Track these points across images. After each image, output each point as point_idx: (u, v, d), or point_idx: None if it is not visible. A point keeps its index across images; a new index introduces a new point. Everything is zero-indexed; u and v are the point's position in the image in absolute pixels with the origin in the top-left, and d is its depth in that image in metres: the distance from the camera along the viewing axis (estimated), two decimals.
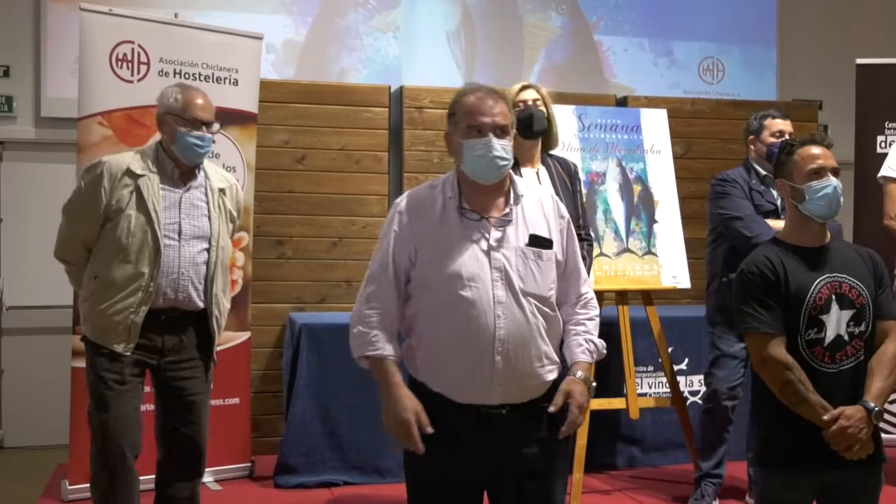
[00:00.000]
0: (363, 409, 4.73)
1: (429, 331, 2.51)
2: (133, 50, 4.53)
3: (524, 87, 4.06)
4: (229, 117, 4.67)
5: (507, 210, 2.55)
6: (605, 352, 2.68)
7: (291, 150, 5.48)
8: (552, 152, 4.13)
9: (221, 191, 3.56)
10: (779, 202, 4.19)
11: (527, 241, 2.54)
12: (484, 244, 2.50)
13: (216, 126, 3.53)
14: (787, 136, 4.21)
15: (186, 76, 4.59)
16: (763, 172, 4.27)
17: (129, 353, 3.34)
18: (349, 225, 5.54)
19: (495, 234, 2.52)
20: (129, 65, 4.52)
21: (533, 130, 3.93)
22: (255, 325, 5.01)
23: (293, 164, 5.47)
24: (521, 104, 3.97)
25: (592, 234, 4.28)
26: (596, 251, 4.53)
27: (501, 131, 2.52)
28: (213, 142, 3.61)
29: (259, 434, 5.15)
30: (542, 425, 2.57)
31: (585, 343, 2.62)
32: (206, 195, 3.50)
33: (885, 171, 4.75)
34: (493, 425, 2.49)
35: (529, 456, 2.54)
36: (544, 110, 4.01)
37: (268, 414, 5.27)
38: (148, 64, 4.56)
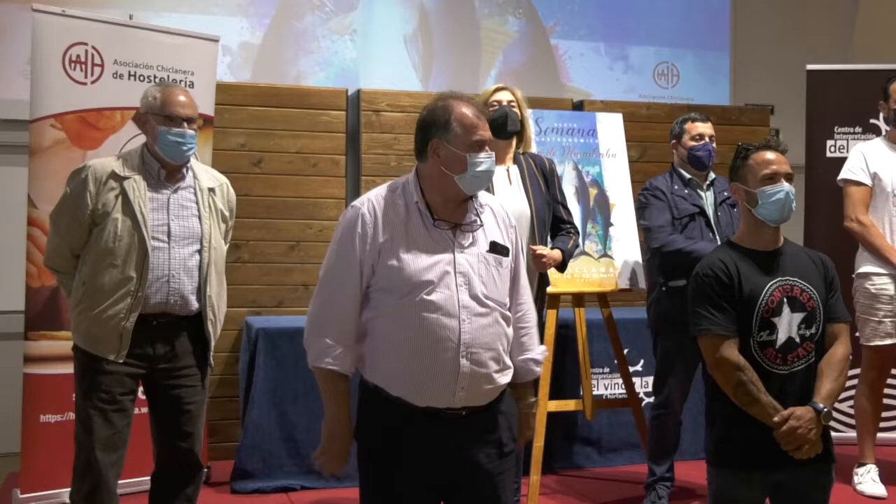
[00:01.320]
0: (321, 413, 4.66)
1: (391, 335, 2.50)
2: (87, 52, 4.47)
3: (499, 89, 4.11)
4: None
5: (470, 217, 2.58)
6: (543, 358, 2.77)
7: (248, 154, 5.45)
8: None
9: (211, 190, 3.50)
10: (707, 205, 4.24)
11: (487, 247, 2.58)
12: (449, 249, 2.52)
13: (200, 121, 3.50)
14: (706, 140, 4.28)
15: (141, 78, 4.55)
16: (687, 176, 4.33)
17: (121, 361, 3.27)
18: (306, 228, 5.52)
19: (460, 239, 2.54)
20: (83, 66, 4.47)
21: (506, 131, 3.97)
22: None
23: (250, 167, 5.44)
24: (495, 104, 4.01)
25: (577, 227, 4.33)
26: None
27: (490, 145, 2.59)
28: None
29: (215, 439, 5.11)
30: (497, 427, 2.60)
31: (531, 365, 2.72)
32: (196, 195, 3.44)
33: (844, 173, 4.83)
34: (453, 428, 2.51)
35: (485, 457, 2.56)
36: (518, 112, 4.05)
37: (224, 419, 5.23)
38: (102, 66, 4.51)
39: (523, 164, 4.06)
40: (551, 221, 4.07)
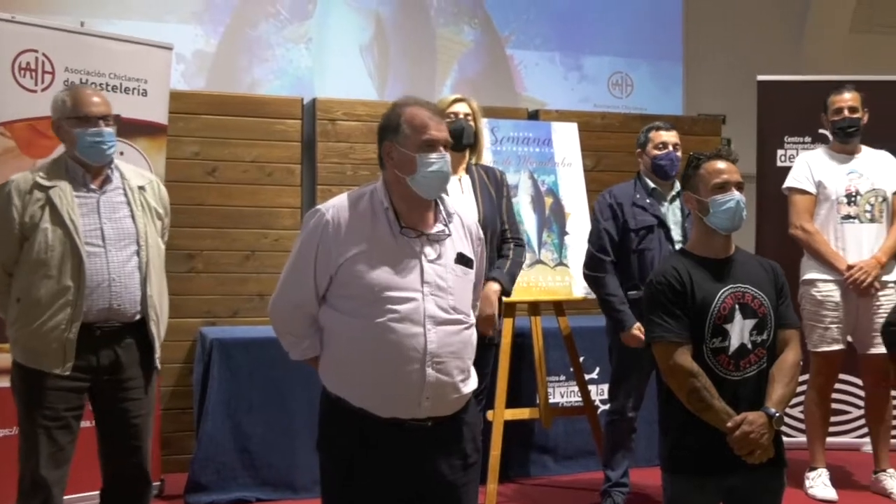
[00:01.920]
0: (276, 424, 4.69)
1: (355, 345, 2.50)
2: (37, 59, 4.40)
3: (457, 100, 4.11)
4: (138, 129, 4.59)
5: (438, 227, 2.58)
6: None
7: (202, 162, 5.40)
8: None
9: (141, 188, 3.42)
10: (668, 215, 4.29)
11: (455, 258, 2.58)
12: (417, 258, 2.51)
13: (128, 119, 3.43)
14: (670, 148, 4.32)
15: (93, 86, 4.49)
16: (651, 186, 4.36)
17: (67, 374, 3.19)
18: (261, 238, 5.48)
19: (428, 249, 2.54)
20: (33, 74, 4.40)
21: (462, 143, 3.99)
22: (164, 341, 4.86)
23: (204, 176, 5.39)
24: (452, 115, 4.02)
25: (524, 238, 4.34)
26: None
27: (446, 146, 2.57)
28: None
29: (169, 452, 5.05)
30: (462, 438, 2.60)
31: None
32: (126, 195, 3.36)
33: (789, 182, 4.91)
34: (417, 439, 2.50)
35: (450, 469, 2.56)
36: (473, 124, 4.07)
37: (178, 431, 5.17)
38: (53, 73, 4.44)
39: (475, 175, 4.09)
40: (498, 235, 4.08)
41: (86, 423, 3.50)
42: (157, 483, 4.78)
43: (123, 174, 3.42)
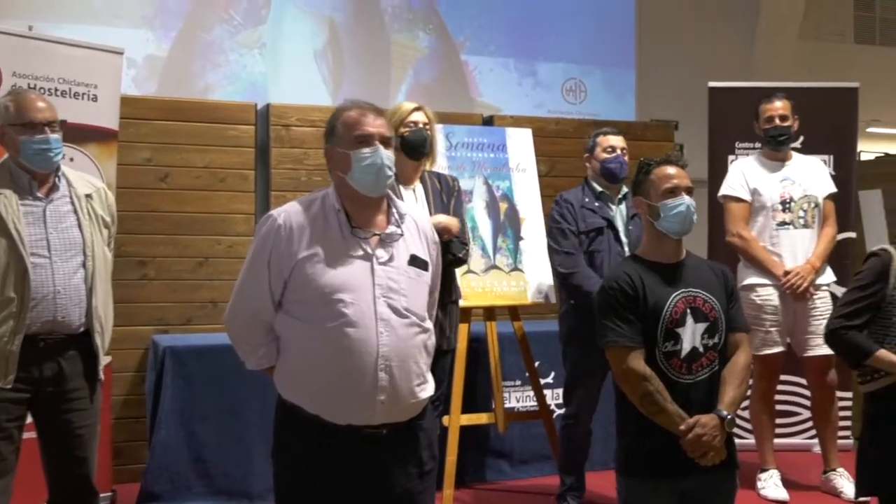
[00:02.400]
0: (231, 432, 4.65)
1: (308, 350, 2.48)
2: None
3: (416, 109, 4.11)
4: (88, 134, 4.52)
5: (391, 228, 2.58)
6: None
7: (154, 168, 5.34)
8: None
9: (88, 196, 3.35)
10: (616, 217, 4.33)
11: (408, 259, 2.57)
12: (368, 260, 2.51)
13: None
14: (619, 152, 4.37)
15: (42, 91, 4.42)
16: (599, 189, 4.40)
17: (9, 387, 3.11)
18: (215, 244, 5.43)
19: (380, 251, 2.53)
20: None
21: (420, 152, 4.00)
22: (116, 349, 4.82)
23: (156, 182, 5.33)
24: (411, 125, 4.02)
25: (471, 244, 4.35)
26: (464, 268, 4.59)
27: (386, 142, 2.56)
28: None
29: (121, 462, 4.97)
30: (418, 446, 2.59)
31: None
32: (73, 203, 3.29)
33: (724, 189, 4.98)
34: (374, 447, 2.49)
35: (406, 478, 2.55)
36: (430, 133, 4.09)
37: (130, 441, 5.09)
38: (0, 78, 4.37)
39: (428, 183, 4.10)
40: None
41: (31, 435, 3.44)
42: (109, 494, 4.72)
43: (70, 182, 3.34)
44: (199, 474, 4.63)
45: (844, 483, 4.71)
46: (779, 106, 4.87)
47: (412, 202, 3.97)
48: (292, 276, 2.48)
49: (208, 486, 4.64)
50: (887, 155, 8.84)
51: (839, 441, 4.97)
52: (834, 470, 4.80)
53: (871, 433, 3.15)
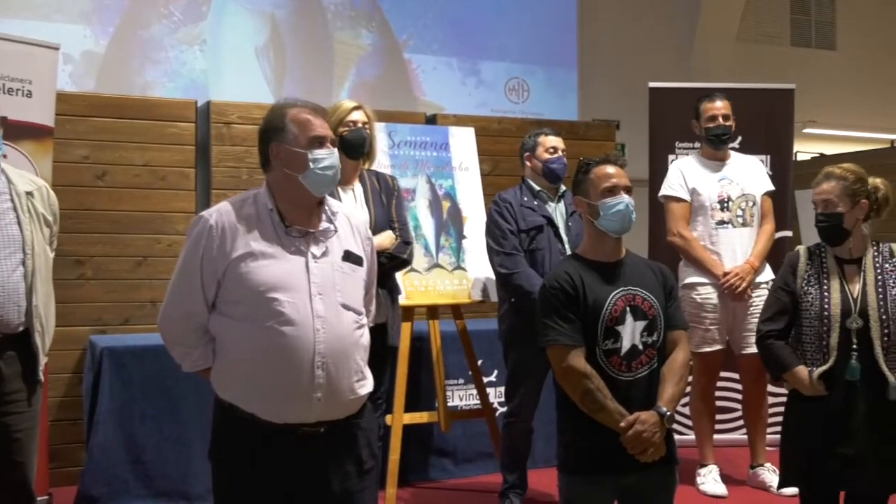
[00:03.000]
0: (170, 433, 4.59)
1: (244, 349, 2.47)
2: None
3: (355, 108, 4.09)
4: (23, 131, 4.42)
5: (324, 225, 2.57)
6: None
7: (91, 166, 5.25)
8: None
9: (29, 194, 3.27)
10: (555, 215, 4.36)
11: (342, 255, 2.57)
12: (303, 257, 2.50)
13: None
14: (560, 153, 4.40)
15: None
16: (537, 188, 4.43)
17: None
18: (154, 244, 5.36)
19: (314, 248, 2.53)
20: None
21: (359, 152, 3.99)
22: (52, 350, 4.70)
23: (93, 180, 5.24)
24: (351, 124, 4.00)
25: (413, 244, 4.34)
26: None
27: (332, 143, 2.58)
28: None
29: (57, 465, 4.88)
30: (357, 444, 2.58)
31: None
32: (13, 200, 3.20)
33: (664, 190, 5.03)
34: (312, 447, 2.48)
35: (345, 476, 2.54)
36: (369, 132, 4.07)
37: (67, 443, 5.00)
38: None
39: (367, 182, 4.09)
40: None
41: None
42: (45, 497, 4.62)
43: (10, 179, 3.27)
44: (137, 476, 4.57)
45: (772, 477, 4.80)
46: (721, 106, 4.94)
47: (351, 202, 3.97)
48: (226, 277, 2.47)
49: (147, 488, 4.58)
50: (823, 155, 9.03)
51: (773, 436, 5.06)
52: (762, 465, 4.90)
53: (784, 430, 3.29)
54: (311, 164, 2.52)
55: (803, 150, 9.01)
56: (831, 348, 3.12)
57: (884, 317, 3.13)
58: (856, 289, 3.17)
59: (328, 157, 2.54)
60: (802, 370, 3.15)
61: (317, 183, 2.53)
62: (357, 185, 4.05)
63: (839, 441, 3.10)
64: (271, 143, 2.57)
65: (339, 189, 3.96)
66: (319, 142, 2.54)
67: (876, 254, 3.25)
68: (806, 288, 3.20)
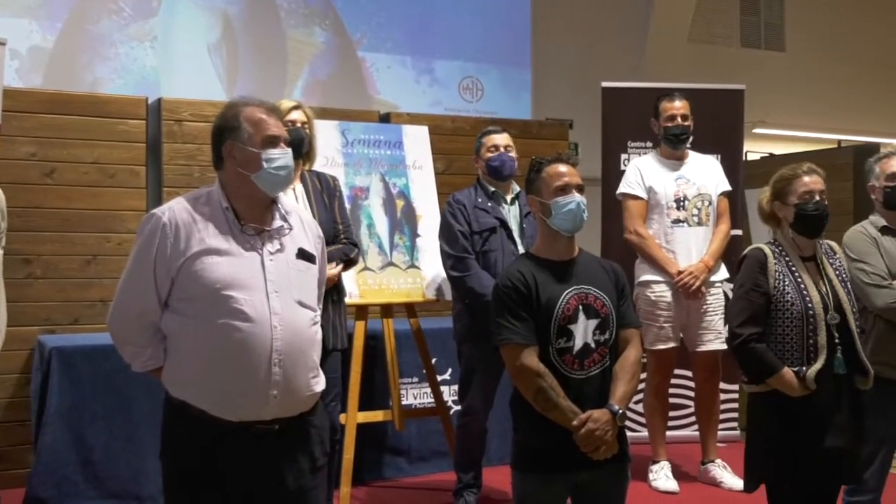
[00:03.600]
0: (120, 433, 4.54)
1: (199, 346, 2.45)
2: None
3: (294, 108, 4.06)
4: None
5: (278, 223, 2.57)
6: None
7: (39, 164, 5.16)
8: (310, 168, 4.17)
9: None
10: (509, 216, 4.38)
11: (296, 253, 2.58)
12: (259, 256, 2.50)
13: None
14: (502, 150, 4.42)
15: None
16: (491, 189, 4.44)
17: None
18: (104, 242, 5.29)
19: (269, 245, 2.53)
20: None
21: (299, 152, 3.96)
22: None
23: (41, 177, 5.16)
24: (289, 123, 3.97)
25: (358, 243, 4.33)
26: (360, 265, 4.58)
27: (286, 143, 2.57)
28: None
29: (5, 467, 4.81)
30: (310, 441, 2.59)
31: None
32: None
33: (622, 188, 5.07)
34: (265, 444, 2.47)
35: (298, 473, 2.54)
36: (308, 132, 4.05)
37: (14, 444, 4.92)
38: None
39: (308, 182, 4.07)
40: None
41: None
42: None
43: None
44: (87, 477, 4.51)
45: (723, 473, 4.86)
46: (680, 105, 4.99)
47: (291, 201, 3.94)
48: (180, 274, 2.45)
49: (97, 490, 4.52)
50: (772, 155, 9.15)
51: (726, 433, 5.13)
52: (712, 461, 4.96)
53: (756, 430, 3.24)
54: (265, 164, 2.51)
55: (753, 150, 9.14)
56: (820, 346, 3.08)
57: (854, 310, 3.19)
58: (822, 285, 3.20)
59: (282, 156, 2.54)
60: (789, 372, 3.08)
61: (270, 182, 2.53)
62: (298, 185, 4.03)
63: (828, 435, 3.08)
64: (225, 142, 2.56)
65: None
66: (273, 141, 2.54)
67: (822, 251, 3.30)
68: (781, 287, 3.14)
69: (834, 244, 3.37)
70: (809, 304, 3.12)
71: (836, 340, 3.11)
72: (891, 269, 3.56)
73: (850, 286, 3.25)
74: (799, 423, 3.11)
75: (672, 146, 5.02)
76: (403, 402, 4.98)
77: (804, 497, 3.18)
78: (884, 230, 3.66)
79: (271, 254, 2.52)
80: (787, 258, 3.22)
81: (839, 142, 9.61)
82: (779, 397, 3.12)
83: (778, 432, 3.14)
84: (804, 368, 3.08)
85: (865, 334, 3.46)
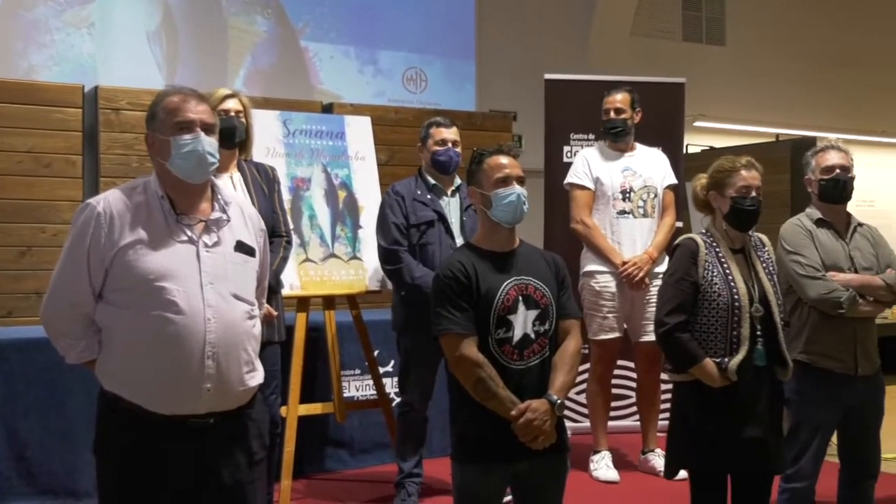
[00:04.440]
0: (55, 428, 4.44)
1: (132, 339, 2.41)
2: None
3: (229, 96, 4.01)
4: None
5: (216, 214, 2.53)
6: None
7: None
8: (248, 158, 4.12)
9: None
10: (448, 210, 4.38)
11: (234, 245, 2.54)
12: (194, 247, 2.46)
13: None
14: (449, 145, 4.41)
15: None
16: (432, 181, 4.44)
17: None
18: (39, 233, 5.17)
19: (205, 237, 2.49)
20: None
21: (234, 142, 3.92)
22: None
23: None
24: (223, 113, 3.92)
25: (292, 235, 4.28)
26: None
27: (209, 129, 2.52)
28: None
29: None
30: (247, 435, 2.56)
31: None
32: None
33: (569, 178, 5.10)
34: (201, 438, 2.44)
35: (235, 468, 2.51)
36: (244, 121, 4.00)
37: None
38: None
39: (246, 172, 4.03)
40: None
41: None
42: None
43: None
44: (21, 473, 4.41)
45: (662, 463, 4.90)
46: (615, 99, 5.03)
47: (230, 190, 3.89)
48: (114, 265, 2.41)
49: (32, 486, 4.43)
50: (713, 148, 9.27)
51: (666, 422, 5.17)
52: (652, 450, 5.02)
53: (678, 418, 3.31)
54: (174, 150, 2.47)
55: (693, 143, 9.24)
56: (743, 337, 3.14)
57: (779, 303, 3.24)
58: (750, 277, 3.25)
59: (191, 142, 2.47)
60: (710, 363, 3.13)
61: (181, 169, 2.48)
62: (236, 174, 3.99)
63: (748, 425, 3.14)
64: (147, 131, 2.54)
65: (213, 177, 3.86)
66: (184, 127, 2.48)
67: (751, 244, 3.35)
68: (709, 278, 3.19)
69: (763, 237, 3.43)
70: (736, 296, 3.17)
71: (759, 333, 3.17)
72: (825, 262, 3.63)
73: (776, 279, 3.31)
74: (720, 412, 3.16)
75: (611, 139, 5.06)
76: (346, 395, 4.96)
77: (723, 483, 3.25)
78: (819, 223, 3.73)
79: (208, 245, 2.49)
80: (717, 249, 3.26)
81: (777, 136, 9.75)
82: (702, 386, 3.18)
83: (699, 421, 3.20)
84: (726, 360, 3.14)
85: (792, 327, 3.55)
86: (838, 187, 3.70)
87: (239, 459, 2.52)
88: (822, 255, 3.64)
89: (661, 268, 4.98)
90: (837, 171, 3.70)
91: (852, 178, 3.73)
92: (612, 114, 5.01)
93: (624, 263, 4.86)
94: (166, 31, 6.60)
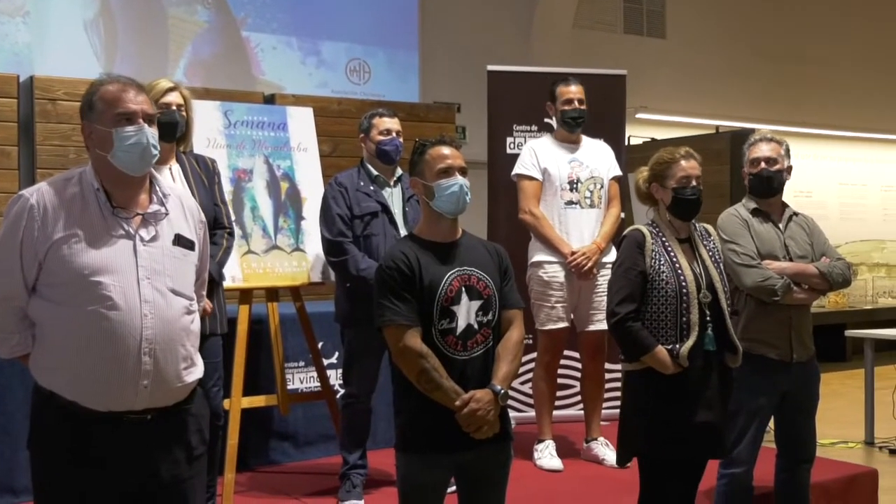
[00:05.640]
0: None
1: (66, 334, 2.37)
2: None
3: (171, 89, 3.95)
4: None
5: (154, 207, 2.49)
6: None
7: None
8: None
9: None
10: (391, 200, 4.38)
11: (173, 239, 2.50)
12: (130, 240, 2.42)
13: None
14: (394, 135, 4.42)
15: None
16: (374, 173, 4.43)
17: None
18: None
19: (143, 231, 2.45)
20: None
21: (175, 136, 3.88)
22: None
23: None
24: (164, 107, 3.86)
25: (234, 227, 4.25)
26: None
27: (150, 120, 2.48)
28: None
29: None
30: (186, 430, 2.53)
31: None
32: None
33: (517, 168, 5.12)
34: (138, 434, 2.41)
35: (173, 464, 2.49)
36: (185, 114, 3.95)
37: None
38: None
39: (186, 163, 3.99)
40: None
41: None
42: None
43: None
44: None
45: (605, 451, 4.97)
46: (575, 90, 5.05)
47: (169, 182, 3.85)
48: (48, 259, 2.37)
49: None
50: (654, 140, 9.39)
51: (609, 411, 5.24)
52: (595, 439, 5.07)
53: (632, 406, 3.34)
54: (117, 142, 2.42)
55: (635, 135, 9.34)
56: (692, 323, 3.19)
57: (725, 289, 3.31)
58: (696, 265, 3.30)
59: (135, 134, 2.43)
60: (662, 351, 3.18)
61: (124, 162, 2.44)
62: (175, 166, 3.94)
63: (700, 410, 3.20)
64: (84, 122, 2.49)
65: (153, 169, 3.82)
66: (126, 118, 2.44)
67: (696, 233, 3.41)
68: (657, 267, 3.23)
69: (709, 227, 3.49)
70: (683, 283, 3.22)
71: (708, 318, 3.23)
72: (760, 250, 3.70)
73: (722, 267, 3.37)
74: (671, 398, 3.21)
75: (569, 129, 5.08)
76: (290, 387, 4.93)
77: (674, 469, 3.29)
78: (754, 212, 3.81)
79: (144, 239, 2.45)
80: (663, 238, 3.32)
81: (717, 127, 9.90)
82: (653, 374, 3.22)
83: (652, 408, 3.24)
84: (678, 346, 3.19)
85: (738, 314, 3.61)
86: (763, 183, 3.79)
87: (177, 455, 2.49)
88: (758, 243, 3.72)
89: (609, 258, 5.04)
90: (763, 164, 3.78)
91: (780, 171, 3.81)
92: (577, 103, 5.03)
93: (573, 253, 4.90)
94: (104, 21, 6.49)
